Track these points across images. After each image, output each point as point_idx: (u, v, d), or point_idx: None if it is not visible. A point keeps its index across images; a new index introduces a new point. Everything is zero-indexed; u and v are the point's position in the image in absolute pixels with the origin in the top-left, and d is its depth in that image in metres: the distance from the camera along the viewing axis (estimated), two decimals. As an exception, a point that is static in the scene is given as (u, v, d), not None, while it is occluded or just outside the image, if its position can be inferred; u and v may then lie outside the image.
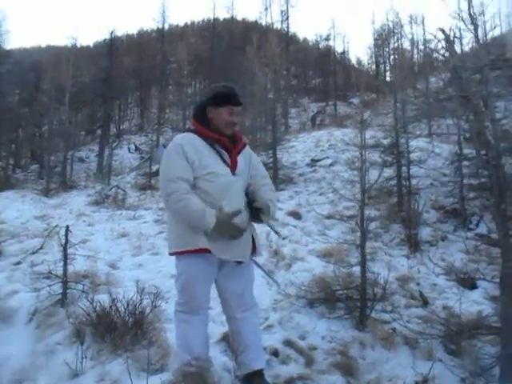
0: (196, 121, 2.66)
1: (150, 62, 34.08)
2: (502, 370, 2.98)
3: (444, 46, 4.47)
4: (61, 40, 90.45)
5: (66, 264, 4.03)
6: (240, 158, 2.65)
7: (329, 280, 4.22)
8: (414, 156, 8.38)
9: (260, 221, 2.65)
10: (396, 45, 36.88)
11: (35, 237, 6.32)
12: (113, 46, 24.85)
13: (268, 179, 2.82)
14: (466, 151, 7.98)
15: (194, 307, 2.61)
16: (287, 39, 36.48)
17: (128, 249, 5.92)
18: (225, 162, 2.56)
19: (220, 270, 2.62)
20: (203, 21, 47.27)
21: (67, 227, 4.12)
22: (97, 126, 27.17)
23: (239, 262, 2.57)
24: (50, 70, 16.98)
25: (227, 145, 2.58)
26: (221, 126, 2.57)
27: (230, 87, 2.63)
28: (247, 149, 2.77)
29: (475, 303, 4.40)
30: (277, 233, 3.40)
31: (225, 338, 3.23)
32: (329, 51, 39.25)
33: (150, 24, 68.50)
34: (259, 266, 3.28)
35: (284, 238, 4.28)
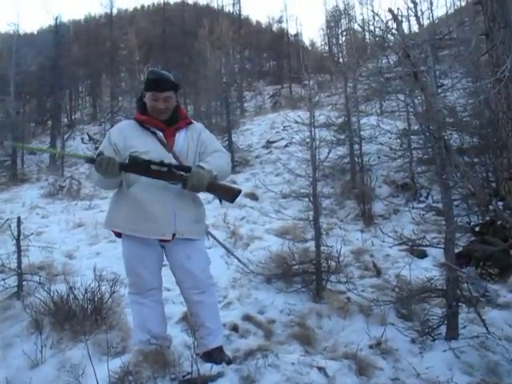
0: (136, 105, 2.76)
1: (100, 48, 32.99)
2: (448, 327, 3.18)
3: (392, 26, 4.61)
4: (1, 27, 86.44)
5: (19, 256, 3.96)
6: (181, 135, 2.66)
7: (285, 256, 4.34)
8: (365, 134, 8.60)
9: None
10: (348, 26, 37.22)
11: (-14, 232, 6.12)
12: (58, 33, 23.89)
13: (218, 152, 2.72)
14: (414, 127, 8.26)
15: (142, 288, 2.67)
16: (240, 22, 36.20)
17: (85, 238, 5.85)
18: (160, 141, 2.59)
19: (166, 251, 2.67)
20: (153, 5, 45.93)
21: (19, 218, 4.04)
22: (47, 116, 26.23)
23: (164, 240, 2.58)
24: (-9, 58, 16.28)
25: (158, 124, 2.61)
26: (150, 111, 2.60)
27: (157, 73, 2.62)
28: (195, 126, 2.75)
29: (425, 270, 4.63)
30: (241, 262, 3.41)
31: (185, 318, 3.29)
32: (282, 34, 39.23)
33: (97, 9, 65.91)
34: (227, 248, 3.33)
35: (247, 267, 4.39)
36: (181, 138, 2.66)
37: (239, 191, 2.79)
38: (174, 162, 2.54)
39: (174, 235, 2.56)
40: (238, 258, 3.26)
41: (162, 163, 2.44)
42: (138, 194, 2.51)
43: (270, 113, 16.98)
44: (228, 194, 2.73)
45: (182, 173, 2.48)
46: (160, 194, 2.52)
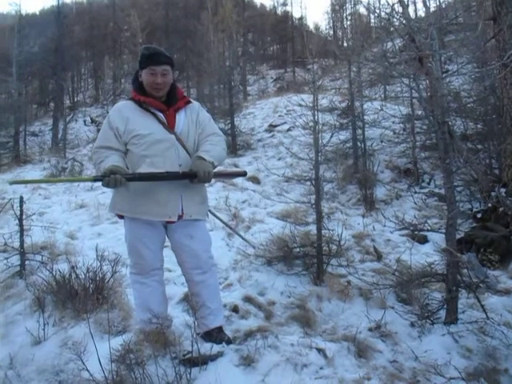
0: (132, 86, 2.71)
1: (102, 30, 32.78)
2: (447, 312, 3.20)
3: (397, 9, 4.54)
4: (3, 7, 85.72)
5: (22, 235, 3.98)
6: (181, 116, 2.65)
7: (286, 239, 4.35)
8: (368, 118, 8.54)
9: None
10: (353, 9, 36.71)
11: (-12, 212, 6.15)
12: (61, 14, 23.64)
13: (215, 136, 2.73)
14: (418, 112, 8.21)
15: (144, 268, 2.69)
16: (243, 5, 35.76)
17: (87, 219, 5.87)
18: (161, 122, 2.58)
19: (168, 232, 2.68)
20: (156, -14, 45.34)
21: (21, 198, 4.04)
22: (49, 98, 26.15)
23: (169, 221, 2.61)
24: (-7, 39, 16.19)
25: (159, 105, 2.59)
26: (148, 89, 2.58)
27: (151, 48, 2.61)
28: (193, 106, 2.75)
29: (426, 255, 4.63)
30: (246, 240, 3.43)
31: (185, 298, 3.32)
32: (286, 17, 38.78)
33: (100, -10, 65.03)
34: (234, 230, 3.36)
35: (254, 248, 4.38)
36: (181, 118, 2.65)
37: (245, 173, 2.84)
38: (177, 143, 2.56)
39: (179, 217, 2.58)
40: (240, 236, 3.26)
41: (168, 174, 2.48)
42: None
43: (273, 97, 16.84)
44: (232, 178, 2.78)
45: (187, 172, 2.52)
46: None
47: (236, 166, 9.13)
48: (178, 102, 2.67)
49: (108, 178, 2.36)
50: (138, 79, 2.65)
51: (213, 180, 2.74)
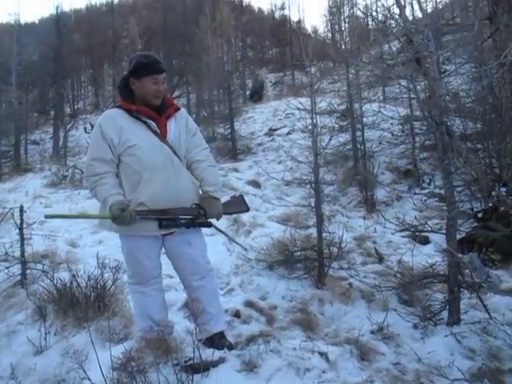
0: (120, 95, 2.66)
1: (101, 37, 32.81)
2: (449, 312, 3.19)
3: (394, 11, 4.56)
4: (2, 17, 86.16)
5: (23, 244, 3.98)
6: (171, 124, 2.63)
7: (287, 243, 4.34)
8: (367, 120, 8.54)
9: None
10: (350, 12, 36.72)
11: (-11, 222, 6.14)
12: (60, 22, 23.70)
13: (204, 151, 2.75)
14: (416, 113, 8.21)
15: (143, 278, 2.68)
16: (241, 9, 35.86)
17: (88, 227, 5.85)
18: (153, 131, 2.55)
19: (165, 239, 2.66)
20: (154, -8, 45.44)
21: (21, 207, 4.05)
22: (49, 106, 26.19)
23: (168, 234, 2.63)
24: (-7, 48, 16.24)
25: (151, 113, 2.55)
26: (147, 97, 2.54)
27: (150, 56, 2.61)
28: (181, 113, 2.73)
29: (427, 256, 4.63)
30: (242, 246, 3.51)
31: (187, 304, 3.30)
32: (284, 21, 38.83)
33: (98, -2, 65.21)
34: (227, 235, 3.38)
35: (246, 250, 4.37)
36: (172, 126, 2.62)
37: (248, 210, 3.02)
38: (170, 153, 2.55)
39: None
40: (236, 242, 3.25)
41: (174, 220, 2.52)
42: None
43: (272, 100, 16.87)
44: (240, 205, 2.93)
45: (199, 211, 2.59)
46: (162, 189, 2.50)
47: (236, 170, 9.13)
48: (168, 110, 2.64)
49: (124, 215, 2.35)
50: (127, 87, 2.60)
51: None
